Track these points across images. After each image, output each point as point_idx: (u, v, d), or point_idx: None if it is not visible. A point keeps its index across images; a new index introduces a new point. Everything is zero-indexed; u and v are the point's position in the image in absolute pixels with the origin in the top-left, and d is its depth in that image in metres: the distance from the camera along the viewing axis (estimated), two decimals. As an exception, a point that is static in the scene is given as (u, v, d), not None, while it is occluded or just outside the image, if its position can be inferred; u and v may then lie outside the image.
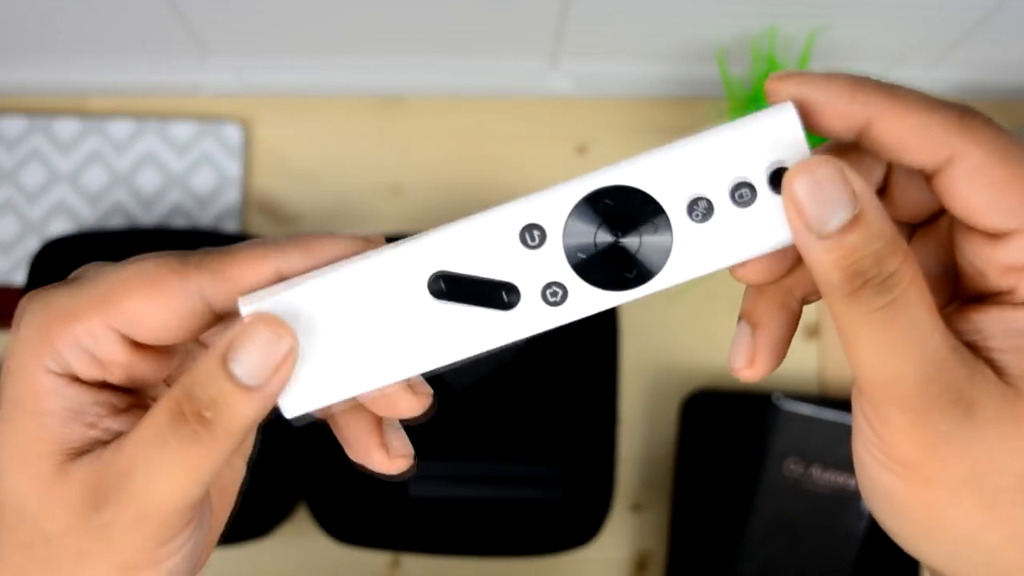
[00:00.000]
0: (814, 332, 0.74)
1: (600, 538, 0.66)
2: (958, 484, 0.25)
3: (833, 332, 0.74)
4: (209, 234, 0.70)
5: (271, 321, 0.26)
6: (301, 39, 0.73)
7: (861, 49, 0.73)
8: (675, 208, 0.26)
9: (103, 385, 0.28)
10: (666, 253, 0.26)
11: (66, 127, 0.76)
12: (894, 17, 0.69)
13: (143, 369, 0.28)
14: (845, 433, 0.70)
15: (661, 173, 0.26)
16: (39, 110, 0.77)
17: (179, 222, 0.75)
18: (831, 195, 0.24)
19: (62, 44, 0.73)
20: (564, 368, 0.67)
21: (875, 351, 0.24)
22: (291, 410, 0.27)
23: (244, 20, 0.70)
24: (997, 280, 0.26)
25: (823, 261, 0.24)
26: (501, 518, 0.66)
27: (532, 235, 0.26)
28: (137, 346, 0.28)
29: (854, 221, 0.24)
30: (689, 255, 0.26)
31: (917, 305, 0.24)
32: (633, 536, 0.72)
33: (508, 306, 0.27)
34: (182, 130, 0.76)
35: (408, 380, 0.29)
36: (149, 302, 0.27)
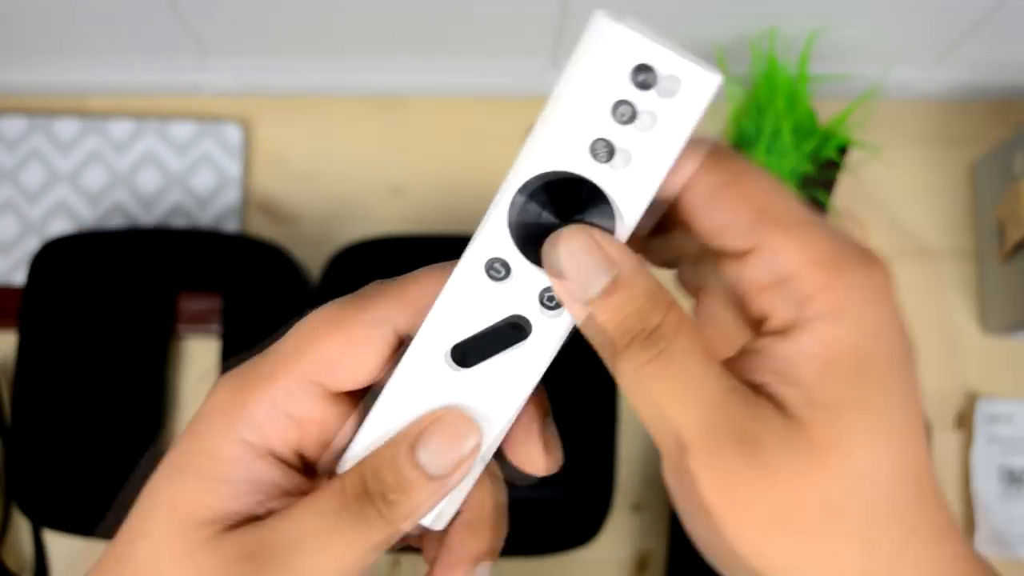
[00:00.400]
0: (814, 332, 0.75)
1: (600, 538, 0.66)
2: (767, 524, 0.25)
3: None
4: (209, 234, 0.70)
5: (460, 416, 0.26)
6: (301, 39, 0.73)
7: (861, 49, 0.73)
8: (583, 164, 0.25)
9: (289, 464, 0.28)
10: (606, 201, 0.26)
11: (66, 127, 0.76)
12: (894, 17, 0.69)
13: (336, 425, 0.28)
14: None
15: (551, 150, 0.25)
16: (39, 110, 0.77)
17: (179, 222, 0.75)
18: (587, 264, 0.25)
19: (62, 44, 0.73)
20: (564, 368, 0.67)
21: (653, 404, 0.25)
22: (440, 522, 0.28)
23: (244, 20, 0.70)
24: (757, 308, 0.26)
25: (590, 324, 0.25)
26: (501, 518, 0.66)
27: (496, 269, 0.26)
28: (333, 399, 0.27)
29: (613, 285, 0.25)
30: (626, 189, 0.25)
31: (686, 354, 0.25)
32: (633, 536, 0.72)
33: (525, 334, 0.27)
34: (182, 130, 0.76)
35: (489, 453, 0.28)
36: (340, 342, 0.27)
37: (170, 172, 0.76)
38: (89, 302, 0.67)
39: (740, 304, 0.27)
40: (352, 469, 0.27)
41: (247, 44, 0.74)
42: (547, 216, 0.26)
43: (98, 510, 0.62)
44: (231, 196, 0.76)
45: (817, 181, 0.72)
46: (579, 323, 0.26)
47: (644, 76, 0.24)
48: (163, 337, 0.69)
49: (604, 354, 0.26)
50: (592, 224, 0.26)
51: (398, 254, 0.70)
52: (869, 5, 0.67)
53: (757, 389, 0.26)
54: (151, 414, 0.68)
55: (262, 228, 0.76)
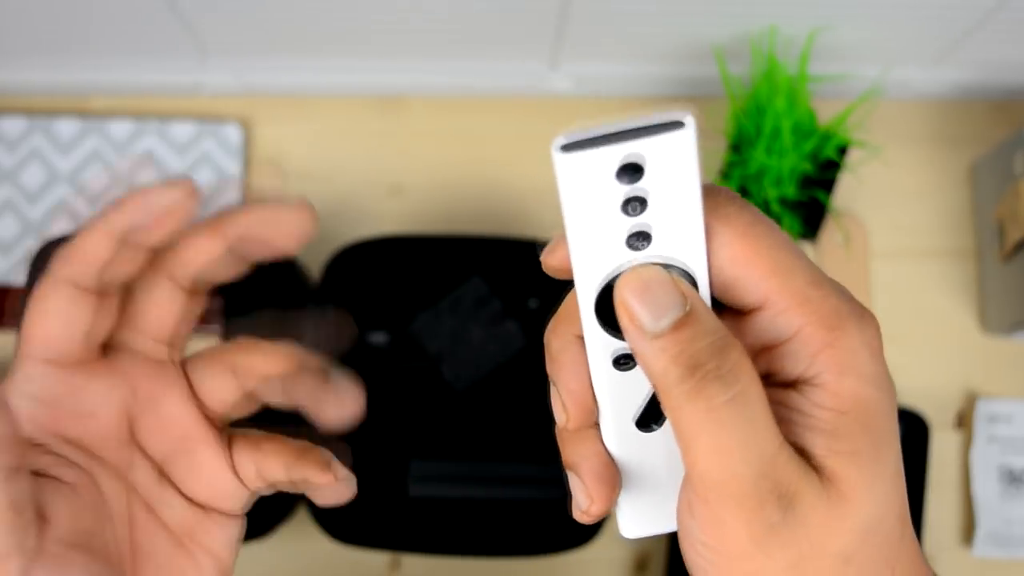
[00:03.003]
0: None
1: (600, 538, 0.66)
2: (781, 574, 0.25)
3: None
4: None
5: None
6: (301, 39, 0.73)
7: (861, 49, 0.73)
8: (632, 259, 0.26)
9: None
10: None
11: (66, 127, 0.76)
12: (894, 17, 0.69)
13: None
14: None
15: (596, 270, 0.26)
16: (39, 110, 0.77)
17: (179, 222, 0.75)
18: (661, 297, 0.25)
19: (62, 44, 0.73)
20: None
21: (715, 449, 0.25)
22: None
23: (244, 20, 0.70)
24: (764, 364, 0.27)
25: (659, 360, 0.25)
26: (501, 518, 0.66)
27: (622, 362, 0.28)
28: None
29: (686, 318, 0.25)
30: (679, 255, 0.26)
31: (756, 401, 0.25)
32: (633, 536, 0.72)
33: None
34: (182, 130, 0.76)
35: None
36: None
37: (170, 172, 0.76)
38: (89, 302, 0.67)
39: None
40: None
41: (247, 44, 0.74)
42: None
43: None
44: (231, 196, 0.76)
45: (817, 181, 0.72)
46: (647, 357, 0.25)
47: (629, 173, 0.24)
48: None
49: (666, 391, 0.25)
50: None
51: (398, 254, 0.70)
52: (869, 5, 0.67)
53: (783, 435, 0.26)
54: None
55: (262, 228, 0.76)
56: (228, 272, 0.32)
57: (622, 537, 0.31)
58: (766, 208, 0.71)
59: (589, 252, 0.25)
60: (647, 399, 0.28)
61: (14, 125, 0.76)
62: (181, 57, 0.75)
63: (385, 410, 0.67)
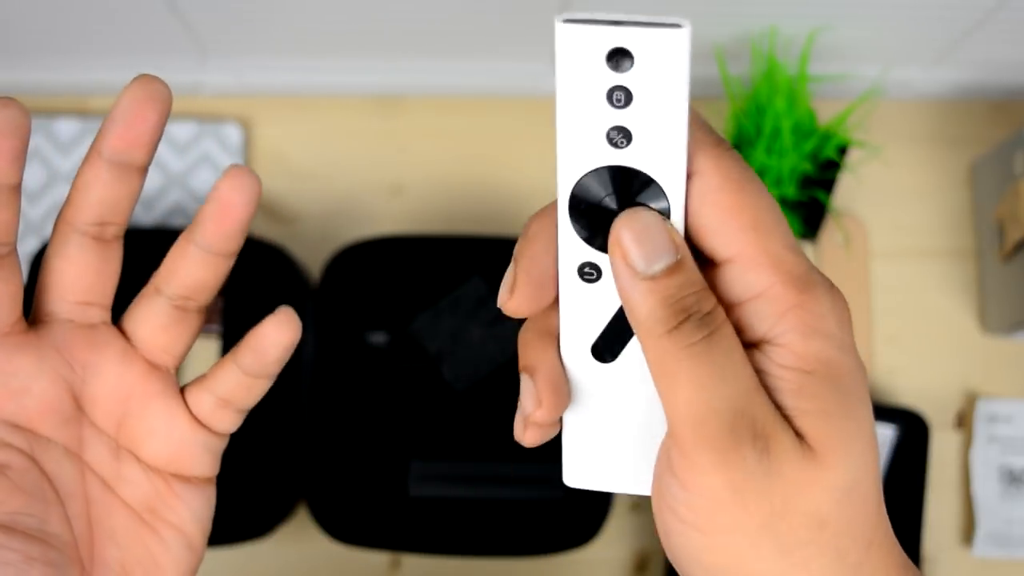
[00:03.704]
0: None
1: (600, 538, 0.66)
2: (757, 531, 0.25)
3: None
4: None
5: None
6: (301, 39, 0.73)
7: (861, 49, 0.73)
8: (612, 156, 0.26)
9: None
10: (649, 181, 0.26)
11: (66, 127, 0.76)
12: (894, 17, 0.69)
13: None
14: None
15: (578, 159, 0.26)
16: (39, 110, 0.77)
17: (179, 222, 0.75)
18: (657, 241, 0.26)
19: (62, 44, 0.73)
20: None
21: (692, 385, 0.25)
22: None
23: (244, 20, 0.70)
24: (731, 321, 0.27)
25: (646, 299, 0.25)
26: (501, 518, 0.66)
27: (588, 273, 0.28)
28: None
29: (677, 265, 0.26)
30: (659, 162, 0.26)
31: (730, 341, 0.26)
32: (633, 536, 0.72)
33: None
34: (182, 130, 0.76)
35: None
36: None
37: (170, 172, 0.76)
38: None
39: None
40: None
41: (247, 44, 0.74)
42: (605, 206, 0.27)
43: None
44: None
45: (817, 181, 0.72)
46: (635, 297, 0.26)
47: (618, 59, 0.25)
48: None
49: (649, 331, 0.26)
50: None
51: (398, 254, 0.70)
52: (869, 5, 0.67)
53: None
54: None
55: (262, 228, 0.76)
56: (209, 271, 0.31)
57: (565, 483, 0.31)
58: (766, 208, 0.71)
59: (573, 139, 0.26)
60: (607, 324, 0.28)
61: (14, 125, 0.76)
62: (181, 57, 0.75)
63: (385, 410, 0.67)
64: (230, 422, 0.33)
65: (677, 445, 0.26)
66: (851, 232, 0.76)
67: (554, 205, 0.28)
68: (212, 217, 0.30)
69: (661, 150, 0.26)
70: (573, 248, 0.27)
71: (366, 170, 0.77)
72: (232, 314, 0.69)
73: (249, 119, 0.78)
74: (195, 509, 0.32)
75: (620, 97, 0.25)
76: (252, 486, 0.65)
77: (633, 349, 0.29)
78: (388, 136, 0.78)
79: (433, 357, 0.68)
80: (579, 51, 0.25)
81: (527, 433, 0.29)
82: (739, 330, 0.27)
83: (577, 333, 0.29)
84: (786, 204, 0.71)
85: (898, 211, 0.77)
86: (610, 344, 0.29)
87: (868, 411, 0.27)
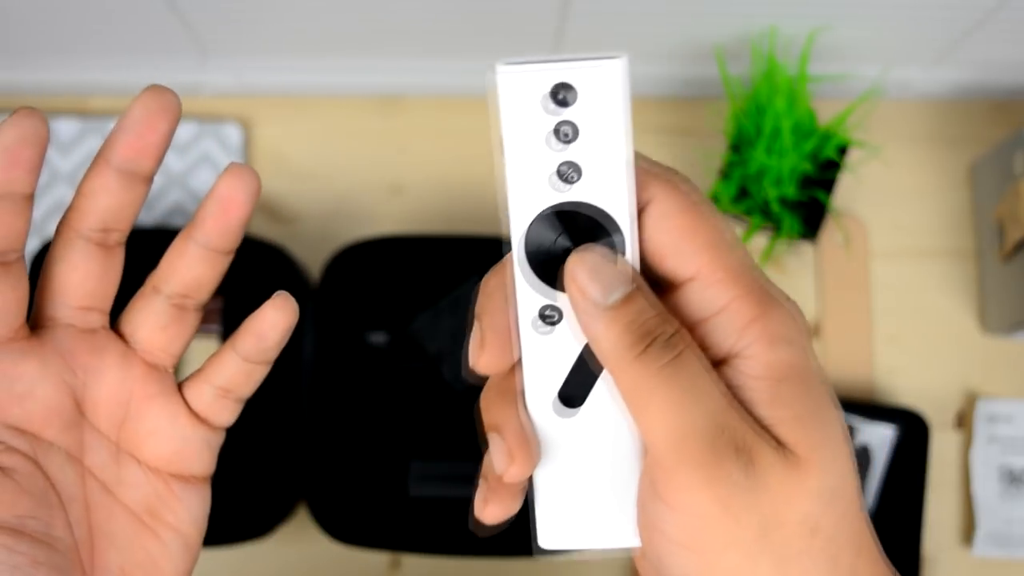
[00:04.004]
0: (814, 332, 0.75)
1: (600, 538, 0.66)
2: (752, 545, 0.26)
3: (833, 331, 0.74)
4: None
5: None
6: (301, 39, 0.73)
7: (861, 49, 0.73)
8: (562, 194, 0.26)
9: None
10: (604, 216, 0.27)
11: (66, 127, 0.76)
12: (894, 17, 0.69)
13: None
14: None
15: (529, 199, 0.27)
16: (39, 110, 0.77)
17: (179, 222, 0.75)
18: (610, 273, 0.26)
19: (62, 44, 0.73)
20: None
21: (668, 406, 0.25)
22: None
23: (244, 20, 0.70)
24: (696, 340, 0.27)
25: (610, 328, 0.26)
26: (501, 518, 0.66)
27: (548, 316, 0.28)
28: None
29: (634, 292, 0.26)
30: (608, 195, 0.26)
31: (698, 360, 0.26)
32: (633, 536, 0.72)
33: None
34: (182, 130, 0.76)
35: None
36: None
37: (170, 172, 0.76)
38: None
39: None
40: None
41: (247, 44, 0.74)
42: (559, 246, 0.27)
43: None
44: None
45: (817, 181, 0.72)
46: (598, 328, 0.26)
47: (559, 96, 0.26)
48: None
49: (618, 359, 0.26)
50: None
51: (398, 254, 0.70)
52: (869, 5, 0.67)
53: None
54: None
55: (262, 228, 0.76)
56: (208, 269, 0.32)
57: (541, 547, 0.30)
58: (766, 208, 0.71)
59: (523, 183, 0.26)
60: (570, 370, 0.28)
61: (14, 125, 0.76)
62: (181, 57, 0.75)
63: (385, 410, 0.67)
64: (229, 413, 0.33)
65: (660, 468, 0.26)
66: (851, 232, 0.76)
67: (508, 260, 0.28)
68: (212, 214, 0.30)
69: (610, 181, 0.26)
70: (531, 293, 0.28)
71: (366, 170, 0.77)
72: (232, 314, 0.69)
73: (249, 119, 0.78)
74: (193, 509, 0.32)
75: (567, 132, 0.26)
76: (252, 486, 0.65)
77: (599, 394, 0.28)
78: (388, 136, 0.78)
79: (433, 357, 0.68)
80: (523, 93, 0.26)
81: (488, 508, 0.29)
82: (704, 348, 0.27)
83: (541, 382, 0.28)
84: (786, 204, 0.71)
85: (898, 211, 0.77)
86: (575, 390, 0.28)
87: (840, 414, 0.27)
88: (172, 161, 0.76)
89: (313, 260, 0.72)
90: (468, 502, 0.73)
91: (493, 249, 0.69)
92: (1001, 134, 0.76)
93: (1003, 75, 0.77)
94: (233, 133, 0.76)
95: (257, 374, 0.33)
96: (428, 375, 0.68)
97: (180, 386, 0.33)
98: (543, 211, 0.27)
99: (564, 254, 0.27)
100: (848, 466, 0.26)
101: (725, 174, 0.72)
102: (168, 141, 0.30)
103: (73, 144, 0.76)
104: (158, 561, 0.32)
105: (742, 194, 0.72)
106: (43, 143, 0.28)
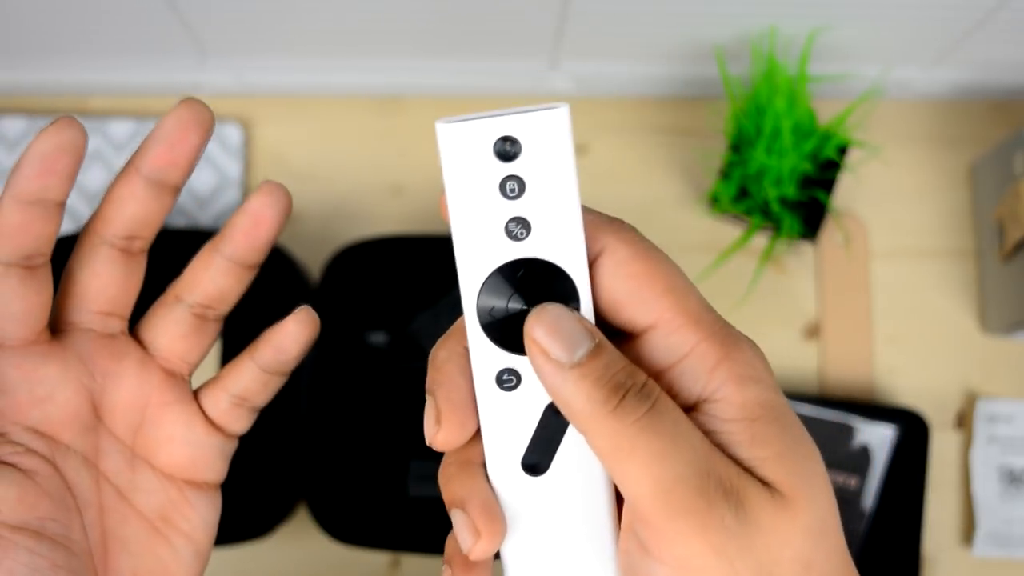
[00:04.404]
0: (814, 332, 0.74)
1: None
2: None
3: (833, 331, 0.74)
4: (209, 234, 0.70)
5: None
6: (301, 39, 0.73)
7: (861, 49, 0.73)
8: (513, 250, 0.26)
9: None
10: (558, 272, 0.26)
11: (66, 127, 0.76)
12: (894, 17, 0.69)
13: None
14: (846, 433, 0.70)
15: (479, 257, 0.26)
16: (39, 110, 0.77)
17: (179, 222, 0.75)
18: (572, 329, 0.26)
19: (62, 44, 0.73)
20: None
21: (651, 458, 0.25)
22: None
23: (244, 20, 0.70)
24: (668, 385, 0.27)
25: (580, 387, 0.25)
26: (501, 518, 0.66)
27: (507, 380, 0.27)
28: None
29: (598, 347, 0.26)
30: (561, 249, 0.26)
31: (674, 408, 0.26)
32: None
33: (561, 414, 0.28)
34: (182, 130, 0.76)
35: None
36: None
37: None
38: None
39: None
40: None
41: (247, 44, 0.74)
42: (513, 307, 0.27)
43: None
44: (231, 196, 0.76)
45: (817, 181, 0.72)
46: (567, 389, 0.25)
47: (503, 149, 0.25)
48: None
49: (592, 416, 0.25)
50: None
51: (398, 254, 0.70)
52: (869, 5, 0.67)
53: None
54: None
55: (262, 228, 0.76)
56: (231, 282, 0.32)
57: None
58: (766, 208, 0.71)
59: (472, 241, 0.26)
60: (533, 433, 0.27)
61: (14, 125, 0.76)
62: (181, 57, 0.75)
63: (385, 410, 0.67)
64: (244, 421, 0.33)
65: (646, 523, 0.25)
66: (851, 232, 0.76)
67: (455, 331, 0.27)
68: (243, 228, 0.31)
69: (561, 233, 0.26)
70: (487, 357, 0.27)
71: (366, 170, 0.77)
72: (232, 314, 0.69)
73: (249, 119, 0.78)
74: (205, 516, 0.33)
75: (513, 187, 0.26)
76: (252, 486, 0.65)
77: (565, 455, 0.27)
78: (388, 136, 0.78)
79: (433, 357, 0.68)
80: (466, 149, 0.26)
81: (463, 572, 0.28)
82: (671, 396, 0.26)
83: (504, 449, 0.27)
84: (786, 204, 0.71)
85: (898, 211, 0.77)
86: (540, 454, 0.27)
87: (815, 447, 0.27)
88: (172, 161, 0.76)
89: (313, 260, 0.72)
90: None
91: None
92: (1001, 134, 0.76)
93: (1003, 75, 0.77)
94: (233, 133, 0.76)
95: (274, 384, 0.33)
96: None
97: (196, 393, 0.33)
98: (493, 271, 0.26)
99: (519, 315, 0.26)
100: (831, 500, 0.26)
101: (725, 174, 0.72)
102: (199, 154, 0.30)
103: (73, 144, 0.76)
104: (169, 567, 0.32)
105: (742, 194, 0.72)
106: (80, 153, 0.28)
